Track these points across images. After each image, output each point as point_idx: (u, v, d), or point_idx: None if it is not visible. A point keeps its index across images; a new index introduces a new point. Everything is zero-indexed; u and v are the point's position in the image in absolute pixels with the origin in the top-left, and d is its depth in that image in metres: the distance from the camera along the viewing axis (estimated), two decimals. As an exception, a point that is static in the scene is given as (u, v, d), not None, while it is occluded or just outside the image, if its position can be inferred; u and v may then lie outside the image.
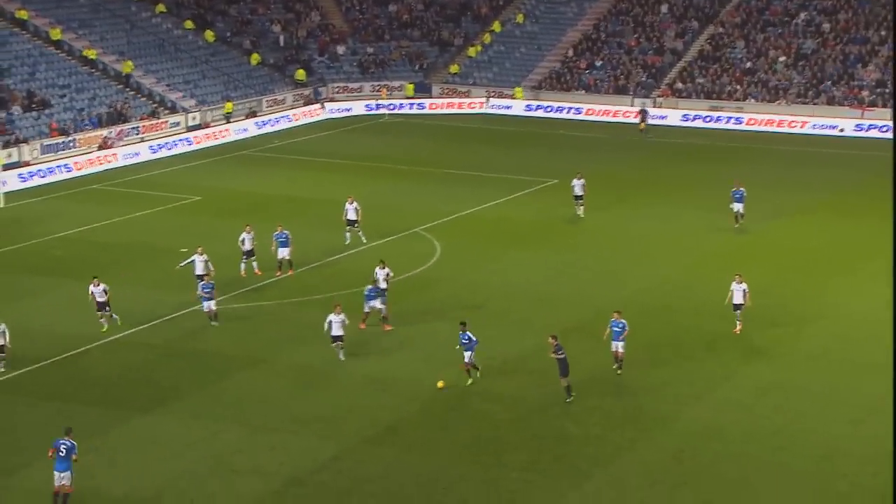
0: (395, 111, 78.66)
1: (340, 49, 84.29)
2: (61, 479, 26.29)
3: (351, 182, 59.24)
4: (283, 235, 43.38)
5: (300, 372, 34.63)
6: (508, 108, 78.94)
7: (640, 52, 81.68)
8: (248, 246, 43.11)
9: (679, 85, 78.14)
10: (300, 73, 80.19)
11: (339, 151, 67.11)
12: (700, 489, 27.92)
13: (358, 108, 78.79)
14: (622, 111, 76.12)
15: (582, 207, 51.46)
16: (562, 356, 32.33)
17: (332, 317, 34.88)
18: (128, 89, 70.93)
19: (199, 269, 39.85)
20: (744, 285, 37.28)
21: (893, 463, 25.57)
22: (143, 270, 43.88)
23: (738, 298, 37.25)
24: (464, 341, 33.55)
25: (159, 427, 30.96)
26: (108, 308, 37.33)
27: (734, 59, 79.05)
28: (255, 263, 43.19)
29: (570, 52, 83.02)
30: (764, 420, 31.56)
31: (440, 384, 33.21)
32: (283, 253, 43.26)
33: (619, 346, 34.26)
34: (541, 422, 31.52)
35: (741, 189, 49.09)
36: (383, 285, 38.62)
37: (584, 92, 79.02)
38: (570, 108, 77.74)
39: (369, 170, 62.43)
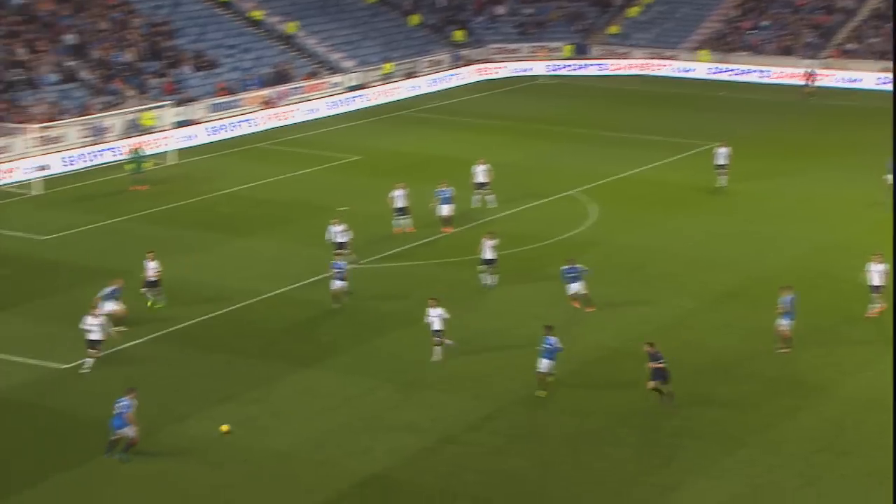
0: (553, 72, 78.07)
1: (499, 10, 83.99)
2: (122, 432, 27.07)
3: (506, 143, 59.21)
4: (446, 192, 43.64)
5: (453, 331, 34.87)
6: (671, 69, 77.57)
7: (808, 12, 79.13)
8: (399, 203, 43.51)
9: (849, 46, 75.45)
10: (458, 35, 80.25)
11: (495, 112, 67.05)
12: (866, 458, 27.20)
13: (515, 69, 78.48)
14: (787, 73, 73.92)
15: (724, 177, 49.47)
16: (660, 365, 29.56)
17: (429, 311, 32.60)
18: (291, 50, 72.13)
19: (339, 239, 39.45)
20: (883, 265, 35.44)
21: (893, 459, 24.84)
22: (304, 228, 44.73)
23: (876, 280, 35.46)
24: (546, 346, 30.15)
25: (318, 381, 31.64)
26: None
27: (906, 19, 75.89)
28: (407, 221, 43.57)
29: (735, 12, 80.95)
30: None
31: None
32: (445, 210, 43.48)
33: (784, 325, 32.91)
34: (695, 387, 31.11)
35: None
36: (490, 255, 37.75)
37: (747, 53, 77.01)
38: (733, 69, 75.88)
39: (524, 131, 62.22)
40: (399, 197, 43.63)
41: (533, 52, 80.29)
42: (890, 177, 45.89)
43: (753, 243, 42.89)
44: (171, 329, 34.97)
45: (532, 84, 75.87)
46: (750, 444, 28.03)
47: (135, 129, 58.22)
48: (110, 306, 33.79)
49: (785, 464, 27.09)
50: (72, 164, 54.09)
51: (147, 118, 57.76)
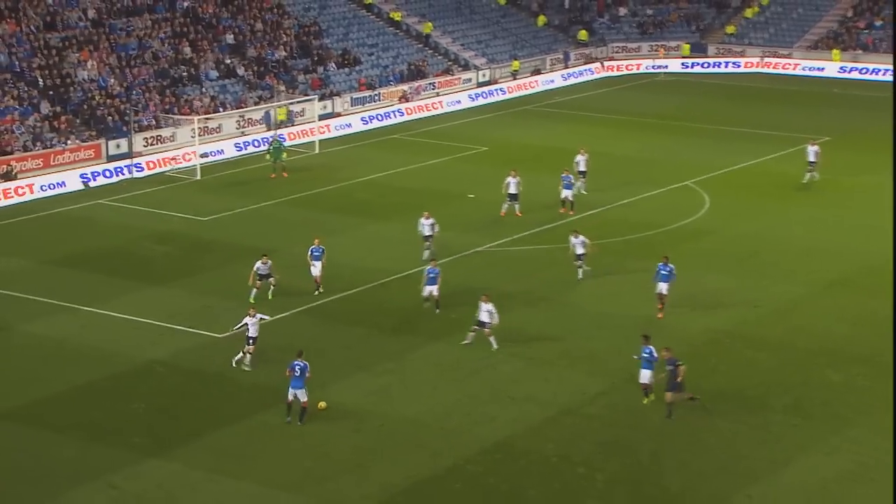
0: (672, 70, 76.78)
1: (621, 11, 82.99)
2: (296, 394, 27.53)
3: (625, 136, 58.55)
4: (568, 178, 43.93)
5: (573, 311, 34.67)
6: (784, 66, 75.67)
7: (920, 12, 76.27)
8: (512, 190, 43.51)
9: (960, 44, 72.50)
10: (582, 34, 79.55)
11: (615, 108, 66.32)
12: (967, 444, 26.23)
13: (636, 66, 77.45)
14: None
15: (813, 174, 47.23)
16: (671, 368, 27.41)
17: (481, 305, 31.63)
18: (426, 48, 72.46)
19: (426, 231, 38.79)
20: None
21: (894, 457, 24.21)
22: (435, 213, 44.73)
23: None
24: (644, 355, 28.15)
25: (446, 355, 31.80)
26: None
27: None
28: (517, 206, 43.54)
29: (850, 13, 78.49)
30: None
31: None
32: (566, 194, 43.66)
33: None
34: (805, 369, 30.40)
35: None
36: (580, 250, 36.71)
37: (861, 52, 74.59)
38: (850, 67, 73.56)
39: (644, 125, 61.41)
40: (511, 184, 43.66)
41: (653, 50, 79.08)
42: None
43: (861, 233, 41.64)
44: (312, 304, 35.52)
45: (651, 81, 74.80)
46: (858, 425, 27.29)
47: (282, 121, 59.18)
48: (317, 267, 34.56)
49: (891, 445, 26.25)
50: (228, 153, 55.24)
51: (281, 113, 58.17)
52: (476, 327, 31.81)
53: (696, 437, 26.88)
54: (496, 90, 70.17)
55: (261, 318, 31.01)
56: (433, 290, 34.19)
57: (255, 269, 35.18)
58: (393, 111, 63.84)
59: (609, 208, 45.19)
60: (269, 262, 35.48)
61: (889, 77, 71.32)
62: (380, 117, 62.91)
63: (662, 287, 33.71)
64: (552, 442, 26.74)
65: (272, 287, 35.47)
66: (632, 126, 61.12)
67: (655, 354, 28.05)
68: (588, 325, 33.56)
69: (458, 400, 29.08)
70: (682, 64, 77.36)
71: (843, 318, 33.78)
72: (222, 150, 55.26)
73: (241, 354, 30.82)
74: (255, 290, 35.06)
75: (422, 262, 37.63)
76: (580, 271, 36.99)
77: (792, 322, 33.62)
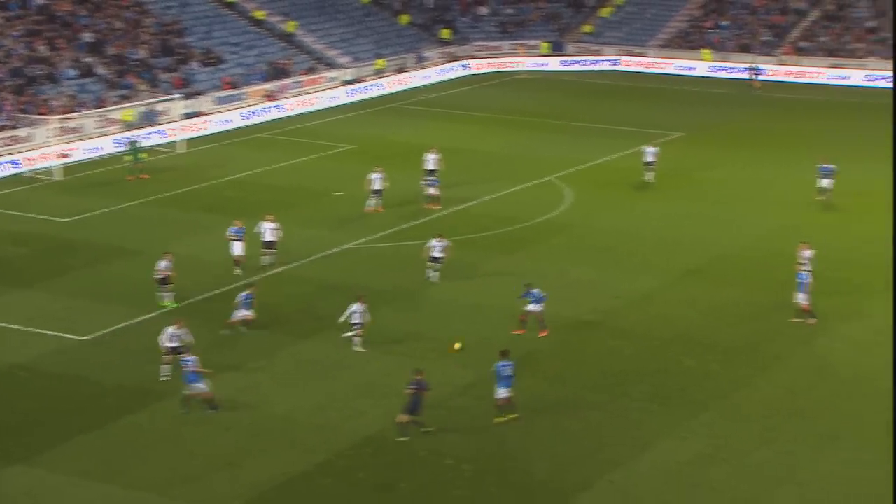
0: (531, 68, 77.88)
1: (482, 10, 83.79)
2: (193, 388, 27.72)
3: (488, 132, 59.19)
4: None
5: (440, 305, 34.95)
6: (639, 64, 77.55)
7: (764, 12, 79.18)
8: (376, 186, 43.85)
9: (802, 44, 75.56)
10: (445, 33, 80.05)
11: (479, 105, 66.97)
12: (817, 420, 27.42)
13: (497, 65, 78.32)
14: (744, 69, 73.99)
15: (652, 174, 47.76)
16: (413, 391, 26.45)
17: (355, 306, 31.47)
18: (291, 47, 71.88)
19: (268, 236, 37.79)
20: (810, 252, 34.53)
21: (894, 455, 24.76)
22: (304, 210, 44.69)
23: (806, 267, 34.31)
24: (502, 370, 27.36)
25: (317, 352, 31.69)
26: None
27: (857, 19, 76.05)
28: (379, 202, 43.95)
29: (698, 12, 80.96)
30: (875, 360, 30.73)
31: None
32: (432, 190, 44.40)
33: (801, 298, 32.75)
34: (663, 357, 31.30)
35: (830, 165, 44.42)
36: (438, 254, 36.26)
37: (709, 50, 77.00)
38: (697, 65, 75.83)
39: (506, 122, 62.20)
40: (376, 180, 43.80)
41: (513, 49, 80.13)
42: (824, 181, 44.27)
43: (714, 225, 43.05)
44: (183, 303, 34.91)
45: (513, 79, 75.78)
46: (712, 409, 28.23)
47: (146, 120, 57.95)
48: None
49: (743, 426, 27.30)
50: (89, 153, 53.83)
51: (126, 114, 56.45)
52: (355, 329, 31.49)
53: (561, 426, 27.42)
54: (361, 88, 70.09)
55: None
56: (246, 314, 32.36)
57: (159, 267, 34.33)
58: (259, 110, 63.16)
59: (473, 204, 45.65)
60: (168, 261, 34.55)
61: (731, 75, 73.81)
62: (245, 116, 62.20)
63: (533, 308, 32.70)
64: (421, 435, 26.91)
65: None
66: (495, 123, 61.83)
67: (511, 371, 27.25)
68: (456, 319, 33.86)
69: (328, 396, 29.03)
70: (562, 62, 78.22)
71: (696, 307, 34.90)
72: (84, 150, 53.78)
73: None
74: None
75: (260, 267, 37.29)
76: (432, 274, 36.46)
77: (650, 311, 34.56)
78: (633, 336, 32.74)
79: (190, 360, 27.98)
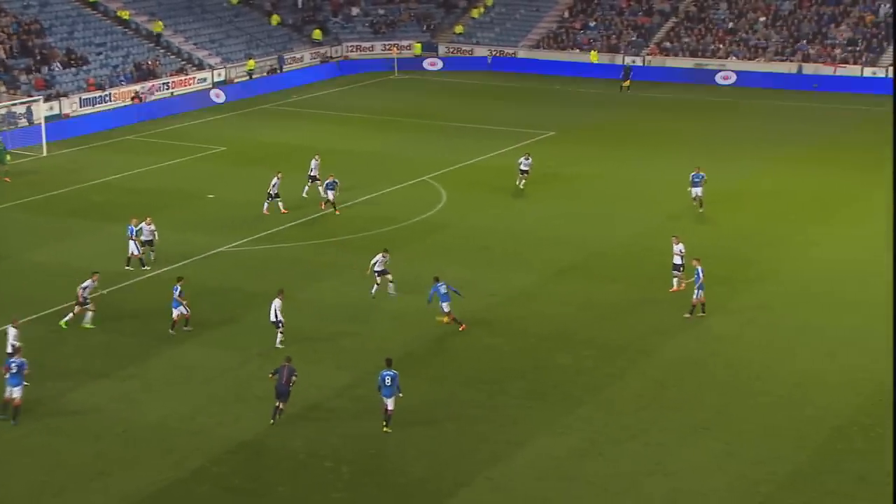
0: (404, 69, 78.09)
1: (354, 11, 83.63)
2: (13, 392, 27.12)
3: (362, 133, 59.13)
4: (333, 182, 44.09)
5: (318, 307, 34.75)
6: (510, 64, 78.45)
7: (630, 14, 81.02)
8: (275, 190, 43.29)
9: (666, 44, 77.58)
10: (317, 33, 79.63)
11: (352, 106, 66.84)
12: (686, 412, 28.16)
13: (370, 66, 78.31)
14: (612, 69, 75.60)
15: (524, 180, 47.31)
16: (274, 378, 27.22)
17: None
18: (158, 48, 70.50)
19: (146, 235, 37.65)
20: (680, 246, 35.60)
21: (893, 454, 24.93)
22: (175, 214, 43.90)
23: (677, 259, 35.56)
24: (385, 380, 26.90)
25: (190, 357, 31.18)
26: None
27: (717, 20, 78.51)
28: (280, 204, 43.45)
29: (566, 14, 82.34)
30: (742, 352, 31.75)
31: (444, 319, 32.50)
32: (330, 195, 44.00)
33: (699, 294, 33.44)
34: (538, 353, 31.72)
35: (701, 173, 43.93)
36: (380, 268, 35.58)
37: (578, 51, 78.44)
38: (566, 64, 77.11)
39: (380, 123, 62.22)
40: (275, 185, 43.30)
41: (386, 49, 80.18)
42: (695, 189, 44.10)
43: (588, 223, 43.81)
44: (46, 312, 33.95)
45: (386, 79, 75.83)
46: (586, 403, 28.74)
47: (4, 122, 56.11)
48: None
49: (616, 419, 27.86)
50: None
51: None
52: (279, 328, 31.51)
53: (439, 425, 27.56)
54: (232, 89, 69.22)
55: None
56: (183, 312, 32.36)
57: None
58: (125, 112, 61.77)
59: (349, 205, 45.52)
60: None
61: (601, 75, 75.36)
62: (111, 118, 60.76)
63: (446, 307, 33.08)
64: (299, 438, 26.74)
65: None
66: (369, 124, 61.77)
67: (397, 381, 26.82)
68: (334, 321, 33.71)
69: (203, 402, 28.59)
70: (416, 61, 78.68)
71: (571, 303, 35.48)
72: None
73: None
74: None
75: (141, 270, 36.94)
76: (391, 286, 35.47)
77: (526, 309, 34.98)
78: (510, 334, 33.10)
79: (15, 362, 27.16)
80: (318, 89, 72.13)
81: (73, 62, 64.57)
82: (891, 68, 69.93)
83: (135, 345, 31.79)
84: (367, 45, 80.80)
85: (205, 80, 69.57)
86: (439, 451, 26.40)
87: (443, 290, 32.82)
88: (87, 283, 33.18)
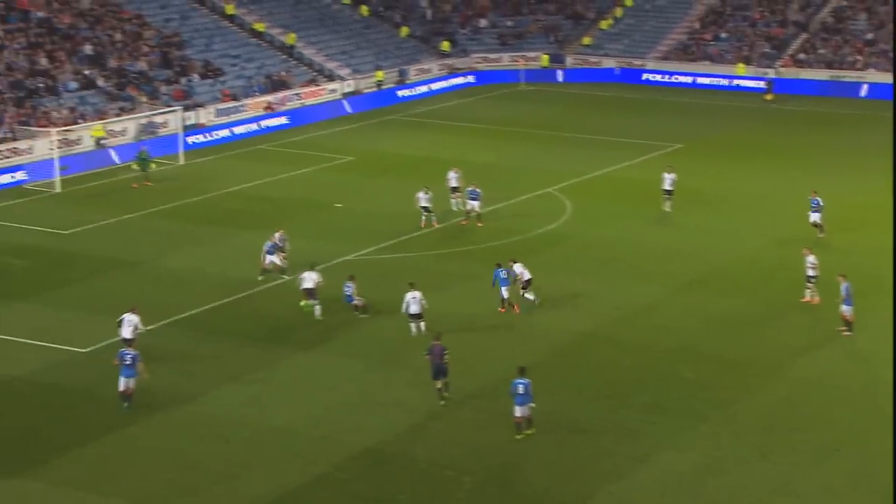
0: (531, 81, 78.00)
1: (482, 22, 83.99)
2: (127, 383, 28.28)
3: (488, 144, 59.27)
4: (475, 192, 44.25)
5: (438, 316, 34.93)
6: (639, 76, 77.71)
7: (763, 25, 79.37)
8: (425, 204, 43.67)
9: (801, 56, 75.74)
10: (444, 45, 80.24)
11: (479, 117, 67.07)
12: (814, 433, 27.39)
13: (496, 77, 78.49)
14: (745, 80, 74.14)
15: (669, 202, 45.60)
16: (429, 359, 28.44)
17: (407, 295, 32.94)
18: (291, 59, 72.02)
19: (280, 244, 38.28)
20: (812, 257, 34.93)
21: (893, 454, 24.71)
22: (303, 222, 44.71)
23: (810, 271, 34.93)
24: (518, 388, 27.21)
25: (316, 364, 31.68)
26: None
27: (856, 31, 76.26)
28: (433, 217, 43.79)
29: (697, 25, 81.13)
30: (877, 371, 30.71)
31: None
32: (473, 205, 44.15)
33: (845, 310, 32.83)
34: (662, 367, 31.28)
35: (817, 198, 41.94)
36: (528, 276, 35.20)
37: (708, 62, 77.17)
38: (696, 76, 75.95)
39: (506, 134, 62.28)
40: (423, 199, 43.64)
41: (513, 61, 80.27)
42: (813, 216, 41.83)
43: (715, 236, 43.06)
44: (181, 316, 34.94)
45: (513, 90, 75.92)
46: (711, 420, 28.20)
47: (145, 132, 58.02)
48: (271, 258, 36.26)
49: (742, 437, 27.26)
50: (88, 165, 53.89)
51: (97, 130, 55.55)
52: (411, 320, 32.63)
53: (560, 437, 27.39)
54: (361, 100, 70.21)
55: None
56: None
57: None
58: (259, 121, 63.25)
59: (474, 216, 45.55)
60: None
61: (731, 84, 73.95)
62: (245, 128, 62.27)
63: (504, 293, 34.58)
64: (421, 446, 26.91)
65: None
66: (495, 135, 61.91)
67: (530, 390, 26.98)
68: (455, 330, 33.85)
69: (328, 408, 29.01)
70: (541, 74, 78.54)
71: (695, 317, 34.90)
72: (84, 161, 53.85)
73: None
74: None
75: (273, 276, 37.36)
76: (532, 297, 35.34)
77: (649, 322, 34.55)
78: (633, 347, 32.73)
79: (129, 354, 28.33)
80: (445, 100, 72.62)
81: (210, 73, 66.42)
82: None
83: (263, 350, 32.46)
84: (495, 56, 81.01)
85: (335, 90, 70.77)
86: (561, 463, 26.24)
87: (503, 275, 34.21)
88: (308, 274, 34.44)
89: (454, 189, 46.11)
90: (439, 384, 28.51)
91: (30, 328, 33.82)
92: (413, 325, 33.03)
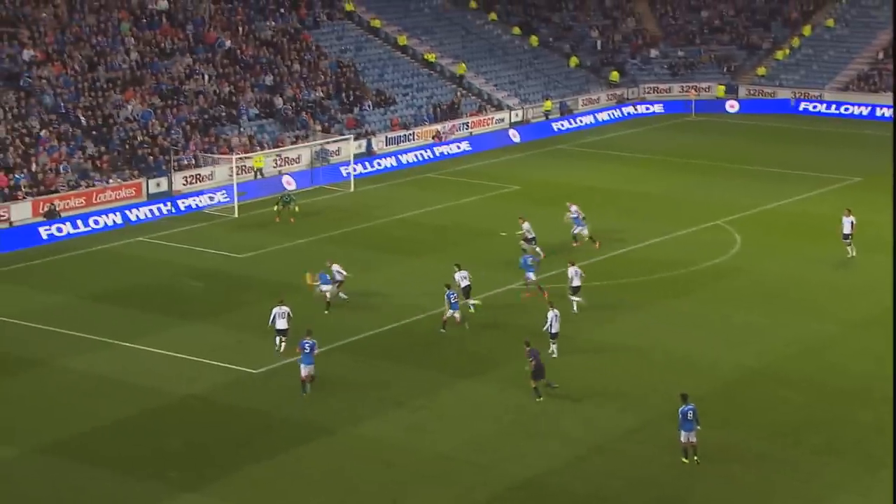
0: (702, 111, 76.66)
1: (652, 52, 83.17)
2: (307, 370, 30.91)
3: (656, 175, 58.47)
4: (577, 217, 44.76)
5: (605, 349, 34.55)
6: (815, 107, 75.41)
7: (950, 53, 75.92)
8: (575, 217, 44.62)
9: None
10: (614, 75, 79.76)
11: (647, 147, 66.26)
12: None
13: (666, 107, 77.51)
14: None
15: (851, 247, 43.22)
16: (532, 361, 30.69)
17: (550, 314, 33.87)
18: (460, 89, 72.84)
19: (336, 276, 38.45)
20: None
21: (893, 457, 24.05)
22: (468, 250, 44.93)
23: None
24: (686, 414, 27.33)
25: (481, 391, 31.72)
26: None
27: None
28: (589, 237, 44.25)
29: (881, 55, 78.21)
30: None
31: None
32: (584, 230, 44.63)
33: None
34: (836, 408, 30.08)
35: None
36: (577, 282, 37.13)
37: (891, 94, 74.16)
38: (877, 106, 73.20)
39: (675, 164, 61.31)
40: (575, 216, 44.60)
41: (684, 91, 79.08)
42: None
43: (889, 272, 41.17)
44: (347, 340, 35.58)
45: (683, 121, 74.78)
46: (889, 465, 26.86)
47: (319, 159, 59.55)
48: (326, 288, 37.77)
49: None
50: (262, 191, 55.57)
51: (257, 160, 56.61)
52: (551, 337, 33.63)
53: (727, 475, 26.62)
54: (528, 129, 70.38)
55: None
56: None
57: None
58: (427, 150, 64.08)
59: (638, 247, 45.04)
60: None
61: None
62: (414, 156, 63.22)
63: (531, 276, 38.24)
64: (582, 480, 26.59)
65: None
66: (663, 165, 61.04)
67: (697, 415, 27.04)
68: (619, 362, 33.39)
69: (489, 435, 29.00)
70: (713, 104, 77.10)
71: (870, 357, 33.46)
72: (261, 188, 55.65)
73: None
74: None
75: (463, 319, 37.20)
76: (575, 304, 36.90)
77: (822, 360, 33.33)
78: (805, 385, 31.60)
79: (308, 343, 31.19)
80: (613, 130, 72.09)
81: (381, 102, 67.82)
82: None
83: (426, 376, 32.72)
84: (665, 86, 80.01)
85: (502, 120, 71.17)
86: (726, 499, 25.47)
87: (529, 261, 37.25)
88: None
89: (530, 240, 43.06)
90: (535, 385, 30.45)
91: (206, 348, 35.02)
92: (553, 345, 33.78)
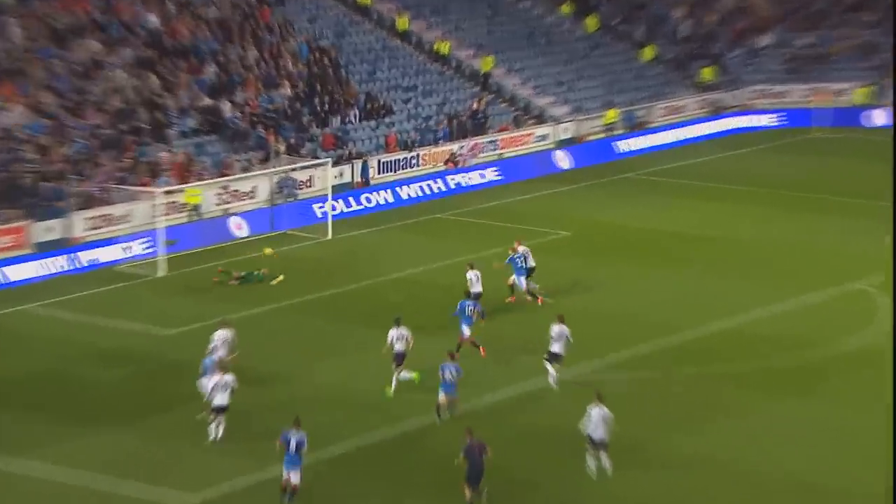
0: (831, 125, 77.00)
1: (763, 40, 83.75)
2: (293, 475, 31.47)
3: (765, 216, 58.82)
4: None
5: (687, 464, 34.83)
6: None
7: None
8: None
9: None
10: (706, 72, 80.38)
11: (753, 176, 66.68)
12: None
13: (783, 119, 78.05)
14: None
15: None
16: (469, 458, 30.84)
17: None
18: (485, 92, 72.93)
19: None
20: None
21: (893, 461, 24.83)
22: (500, 322, 45.02)
23: None
24: None
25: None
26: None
27: None
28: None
29: None
30: None
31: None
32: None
33: None
34: None
35: None
36: (558, 348, 38.64)
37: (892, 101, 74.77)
38: None
39: (794, 200, 61.70)
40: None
41: (806, 96, 79.45)
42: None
43: None
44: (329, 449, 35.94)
45: (803, 138, 75.29)
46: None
47: (282, 193, 59.53)
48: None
49: None
50: (204, 239, 55.72)
51: (192, 196, 57.01)
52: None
53: None
54: (582, 150, 70.84)
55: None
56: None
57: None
58: (437, 180, 64.40)
59: (744, 321, 45.23)
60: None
61: None
62: (419, 188, 63.55)
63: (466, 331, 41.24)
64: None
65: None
66: (777, 202, 61.41)
67: None
68: (713, 484, 33.72)
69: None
70: (885, 113, 77.39)
71: None
72: (197, 235, 55.92)
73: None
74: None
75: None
76: (552, 379, 38.66)
77: None
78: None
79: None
80: (705, 152, 72.58)
81: (373, 111, 67.49)
82: None
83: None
84: (781, 89, 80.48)
85: (545, 137, 71.57)
86: None
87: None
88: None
89: (476, 295, 44.30)
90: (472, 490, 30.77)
91: (119, 468, 34.89)
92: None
